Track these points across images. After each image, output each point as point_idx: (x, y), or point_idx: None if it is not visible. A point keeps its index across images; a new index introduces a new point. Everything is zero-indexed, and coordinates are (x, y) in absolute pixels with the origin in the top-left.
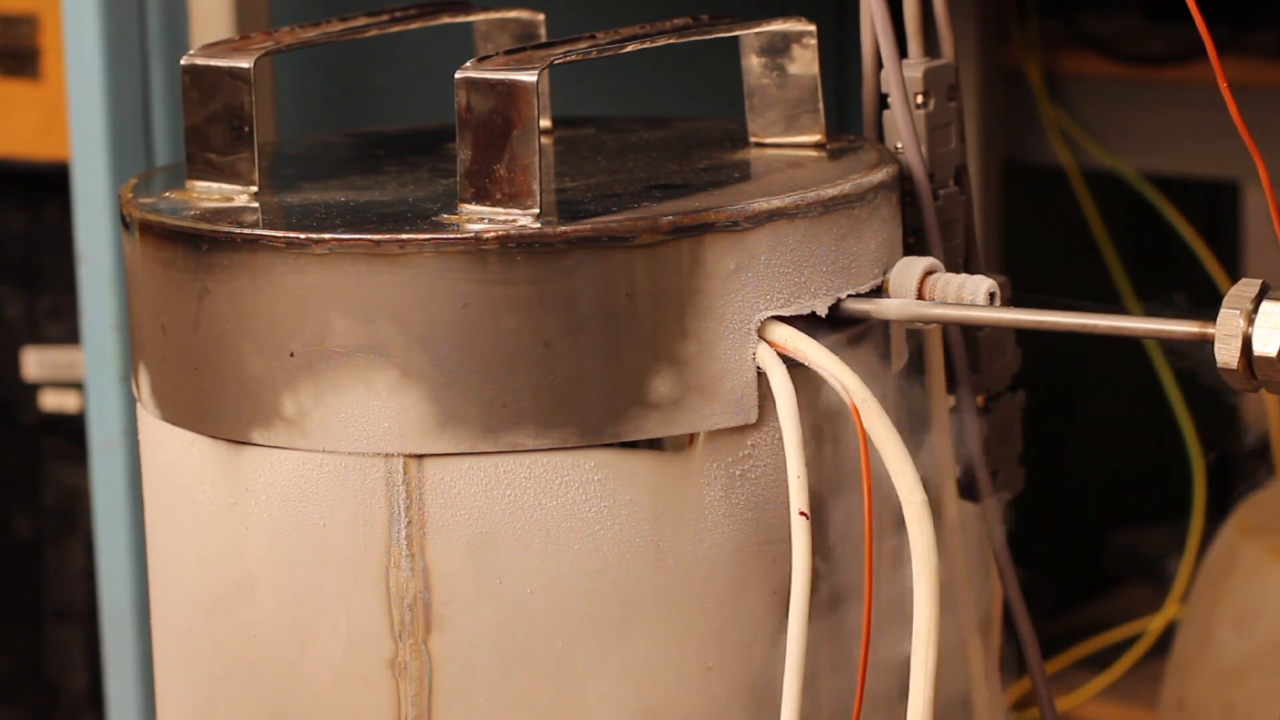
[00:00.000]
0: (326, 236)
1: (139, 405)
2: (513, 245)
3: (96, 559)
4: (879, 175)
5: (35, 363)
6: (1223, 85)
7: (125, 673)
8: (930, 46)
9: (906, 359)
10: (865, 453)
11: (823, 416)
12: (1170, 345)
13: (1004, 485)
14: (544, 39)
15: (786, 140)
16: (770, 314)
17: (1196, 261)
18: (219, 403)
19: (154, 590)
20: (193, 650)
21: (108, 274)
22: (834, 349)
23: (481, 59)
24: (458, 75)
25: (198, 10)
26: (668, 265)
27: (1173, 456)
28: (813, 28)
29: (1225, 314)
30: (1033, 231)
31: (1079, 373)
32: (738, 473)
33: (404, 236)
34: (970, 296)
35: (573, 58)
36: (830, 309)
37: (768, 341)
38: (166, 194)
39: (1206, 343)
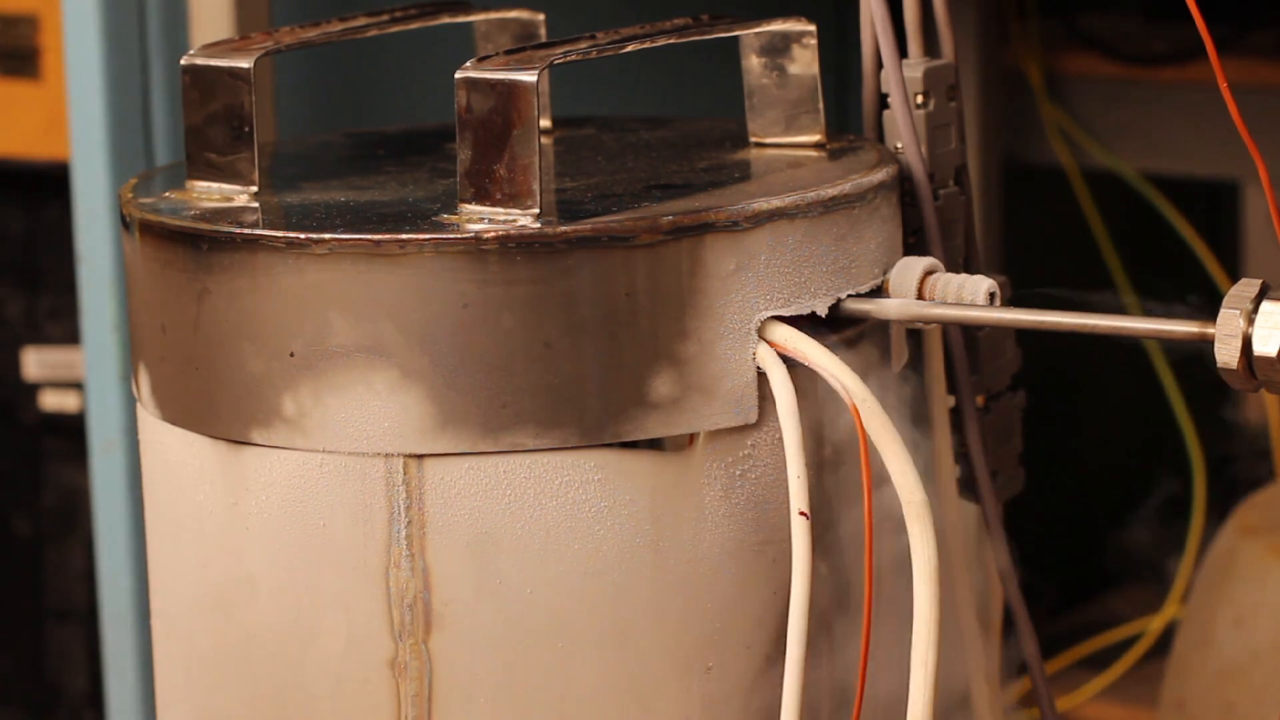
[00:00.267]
0: (326, 236)
1: (139, 405)
2: (513, 245)
3: (96, 559)
4: (879, 175)
5: (35, 363)
6: (1223, 85)
7: (125, 673)
8: (930, 46)
9: (906, 359)
10: (865, 453)
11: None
12: (1170, 344)
13: (1004, 485)
14: (544, 39)
15: (786, 140)
16: (770, 314)
17: (1196, 261)
18: (219, 403)
19: (154, 590)
20: (193, 650)
21: (108, 274)
22: (834, 349)
23: (481, 59)
24: (458, 75)
25: (198, 10)
26: (668, 265)
27: (1173, 456)
28: (813, 28)
29: (1225, 314)
30: (1033, 231)
31: (1079, 373)
32: (738, 473)
33: (404, 236)
34: (970, 296)
35: (573, 58)
36: (830, 309)
37: (768, 341)
38: (166, 194)
39: (1206, 343)
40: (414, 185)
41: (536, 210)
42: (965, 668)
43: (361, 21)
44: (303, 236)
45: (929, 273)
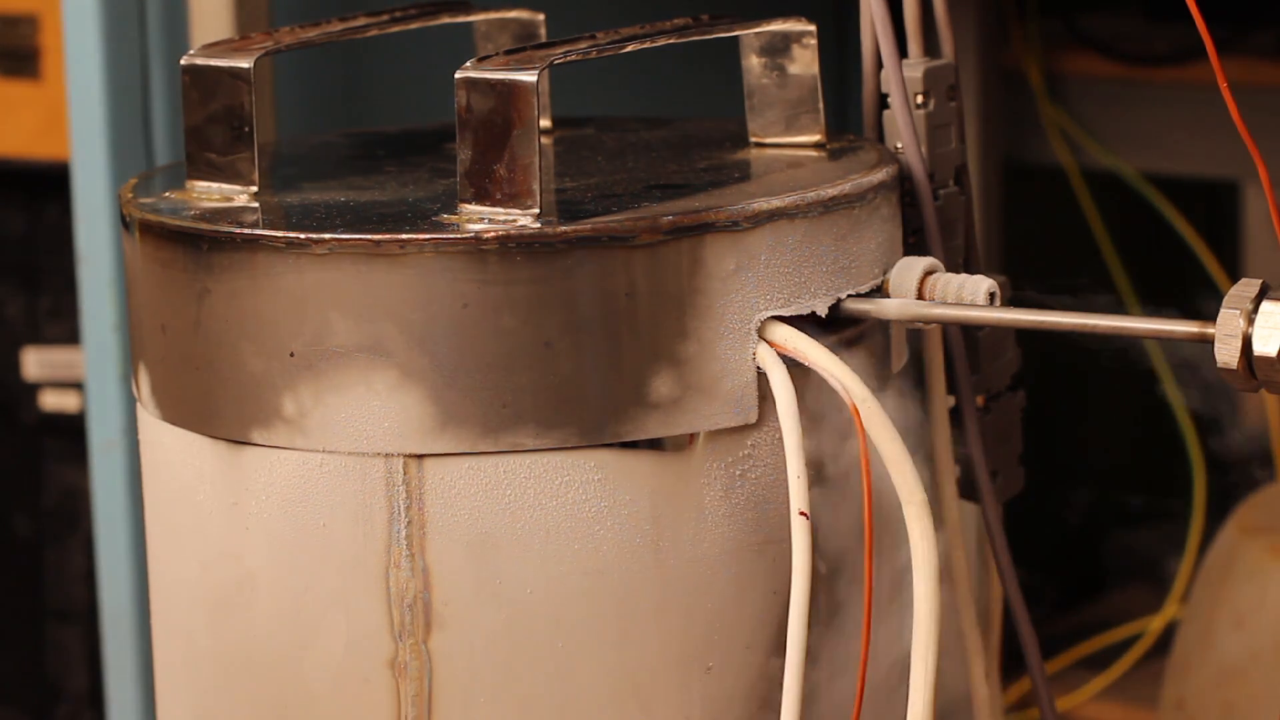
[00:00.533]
0: (326, 236)
1: (139, 405)
2: (513, 245)
3: (96, 559)
4: (879, 175)
5: (35, 363)
6: (1223, 85)
7: (125, 673)
8: (930, 46)
9: (906, 359)
10: (865, 453)
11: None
12: (1170, 344)
13: (1004, 485)
14: (544, 39)
15: (786, 140)
16: (770, 314)
17: (1196, 261)
18: (219, 403)
19: (154, 590)
20: (193, 650)
21: (108, 274)
22: (834, 349)
23: (481, 59)
24: (458, 75)
25: (198, 10)
26: (668, 265)
27: (1173, 457)
28: (813, 28)
29: (1225, 314)
30: (1033, 231)
31: (1079, 373)
32: (738, 473)
33: (404, 236)
34: (970, 296)
35: (573, 58)
36: (830, 309)
37: (768, 341)
38: (166, 194)
39: (1206, 342)
40: (414, 185)
41: (536, 210)
42: (965, 668)
43: (361, 21)
44: (303, 236)
45: (929, 273)
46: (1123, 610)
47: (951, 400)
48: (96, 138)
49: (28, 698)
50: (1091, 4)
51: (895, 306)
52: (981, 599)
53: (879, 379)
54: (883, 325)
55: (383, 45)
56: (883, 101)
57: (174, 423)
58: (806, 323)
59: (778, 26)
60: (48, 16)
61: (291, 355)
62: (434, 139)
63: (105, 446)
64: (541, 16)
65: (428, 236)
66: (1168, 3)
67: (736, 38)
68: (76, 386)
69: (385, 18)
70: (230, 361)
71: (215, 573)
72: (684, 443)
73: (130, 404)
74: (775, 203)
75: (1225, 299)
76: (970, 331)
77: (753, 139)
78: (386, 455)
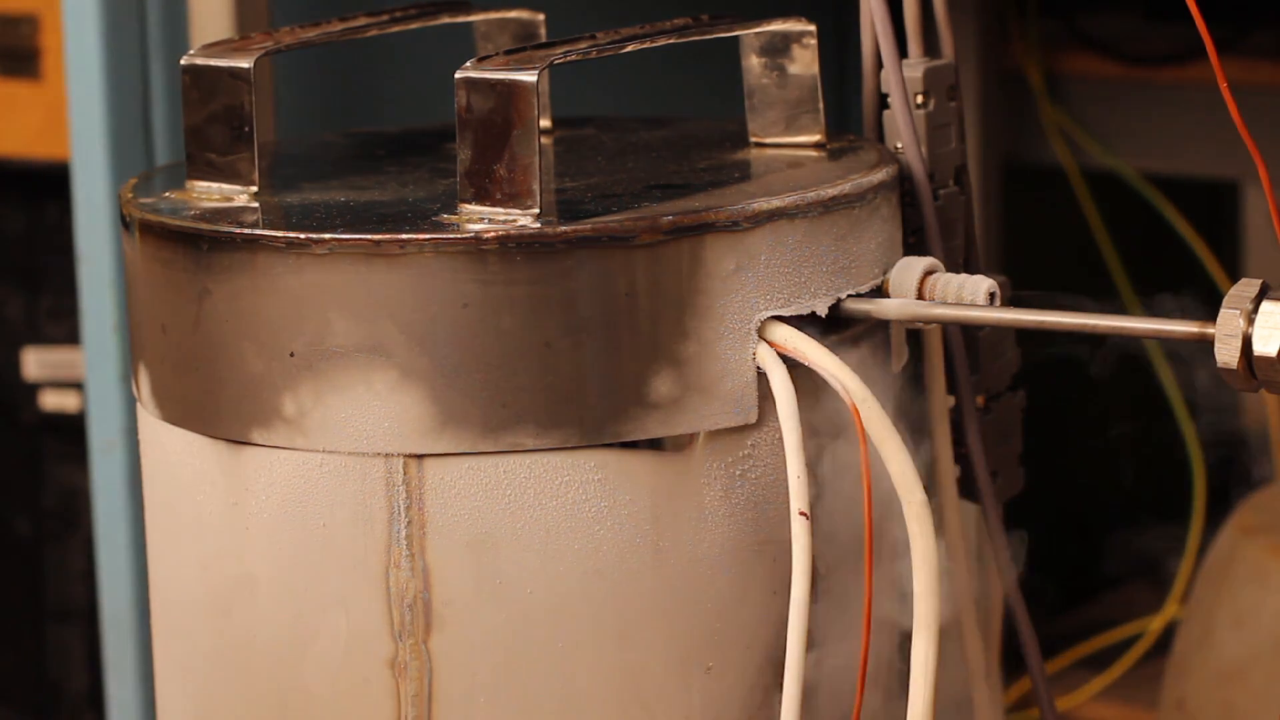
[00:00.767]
0: (326, 236)
1: (139, 405)
2: (513, 245)
3: (96, 559)
4: (879, 175)
5: (35, 363)
6: (1223, 85)
7: (125, 673)
8: (930, 46)
9: (906, 359)
10: (865, 453)
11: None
12: (1170, 344)
13: (1004, 485)
14: (544, 39)
15: (786, 140)
16: (770, 314)
17: (1196, 261)
18: (219, 403)
19: (154, 590)
20: (193, 650)
21: (108, 274)
22: (834, 349)
23: (481, 59)
24: (458, 75)
25: (198, 10)
26: (668, 265)
27: (1173, 457)
28: (813, 28)
29: (1225, 314)
30: (1033, 231)
31: (1079, 373)
32: (738, 473)
33: (404, 236)
34: (970, 296)
35: (573, 58)
36: (830, 309)
37: (768, 341)
38: (166, 194)
39: (1206, 343)
40: (414, 185)
41: (536, 210)
42: (965, 668)
43: (361, 21)
44: (303, 236)
45: (929, 273)
46: (1123, 610)
47: (951, 400)
48: (96, 138)
49: (28, 698)
50: (1091, 4)
51: (895, 306)
52: (981, 599)
53: (879, 379)
54: (883, 325)
55: (383, 45)
56: (883, 101)
57: (174, 423)
58: (806, 323)
59: (778, 26)
60: (48, 16)
61: (291, 355)
62: (434, 139)
63: (105, 446)
64: (541, 16)
65: (428, 236)
66: (1168, 3)
67: (736, 38)
68: (76, 386)
69: (385, 18)
70: (230, 361)
71: (215, 573)
72: (684, 443)
73: (130, 404)
74: (775, 203)
75: (1225, 299)
76: (970, 331)
77: (753, 139)
78: (386, 455)
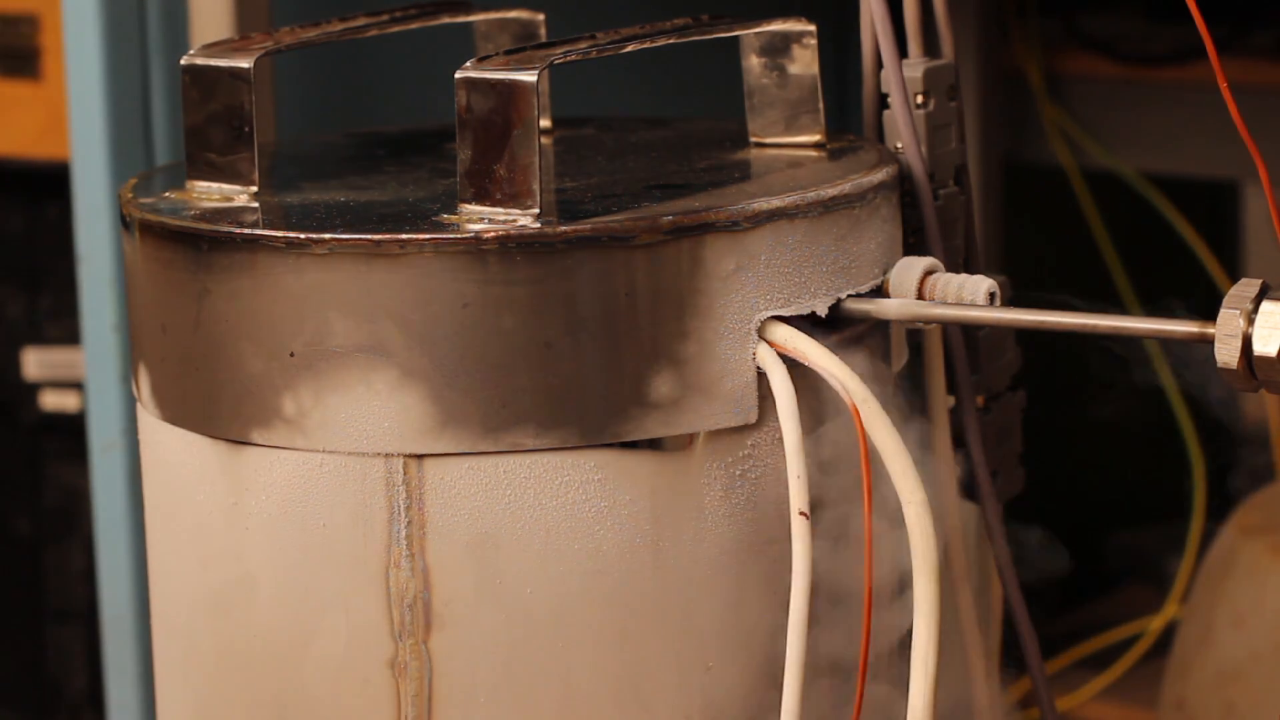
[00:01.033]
0: (326, 236)
1: (139, 405)
2: (513, 245)
3: (96, 559)
4: (879, 175)
5: (35, 363)
6: (1223, 85)
7: (125, 673)
8: (930, 46)
9: (906, 359)
10: (865, 453)
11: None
12: (1170, 344)
13: (1004, 485)
14: (544, 39)
15: (786, 140)
16: (770, 314)
17: (1196, 261)
18: (219, 403)
19: (154, 590)
20: (193, 650)
21: (108, 274)
22: (834, 349)
23: (481, 59)
24: (458, 75)
25: (198, 10)
26: (668, 265)
27: (1173, 456)
28: (813, 28)
29: (1225, 314)
30: (1033, 231)
31: (1079, 373)
32: (738, 473)
33: (404, 236)
34: (970, 296)
35: (573, 58)
36: (830, 309)
37: (768, 341)
38: (166, 194)
39: (1206, 343)
40: (414, 185)
41: (536, 210)
42: (965, 668)
43: (361, 21)
44: (303, 236)
45: (929, 273)
46: (1123, 610)
47: (951, 400)
48: (96, 138)
49: (28, 698)
50: (1091, 4)
51: (895, 306)
52: (981, 599)
53: (879, 379)
54: (883, 325)
55: (383, 45)
56: (883, 101)
57: (174, 423)
58: (806, 323)
59: (778, 26)
60: (48, 16)
61: (291, 355)
62: (434, 139)
63: (105, 446)
64: (541, 16)
65: (428, 236)
66: (1168, 3)
67: (736, 38)
68: (76, 386)
69: (385, 18)
70: (230, 361)
71: (215, 573)
72: (684, 443)
73: (130, 404)
74: (775, 203)
75: (1225, 299)
76: (970, 331)
77: (753, 139)
78: (386, 455)
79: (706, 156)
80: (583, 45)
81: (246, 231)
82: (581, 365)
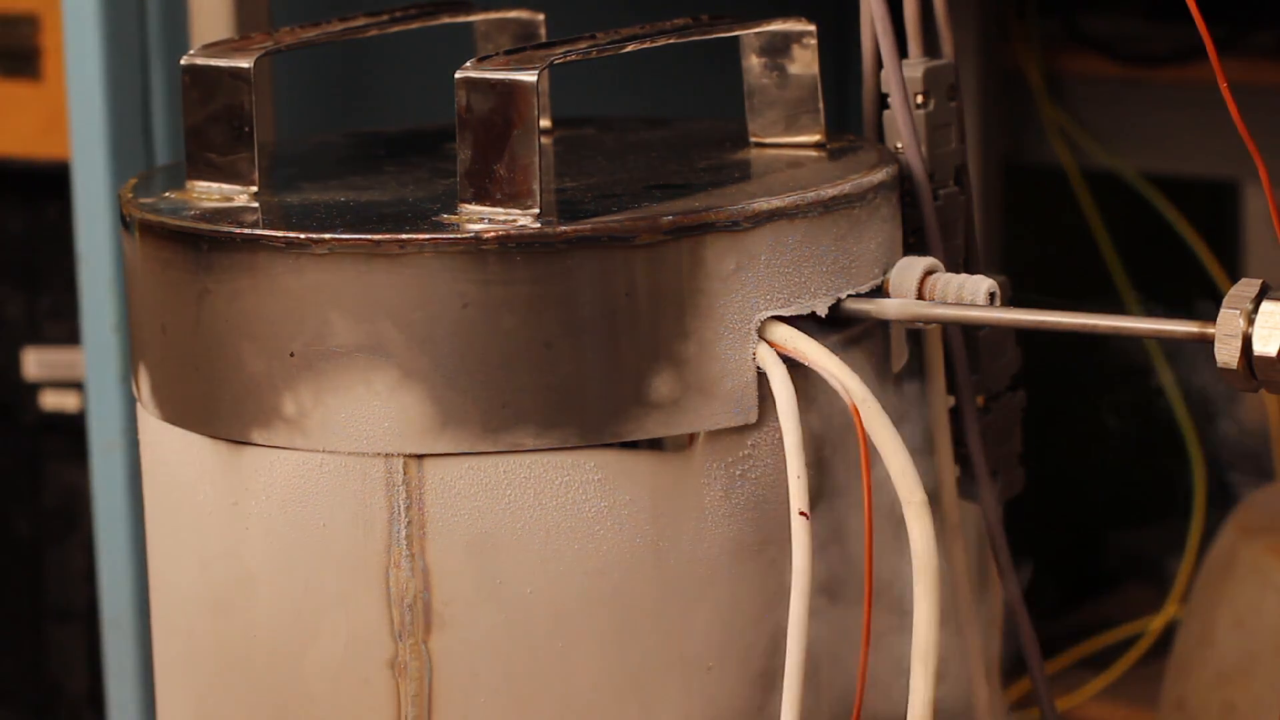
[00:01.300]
0: (326, 236)
1: (139, 405)
2: (513, 245)
3: (96, 559)
4: (879, 175)
5: (35, 363)
6: (1223, 85)
7: (125, 673)
8: (930, 46)
9: (906, 359)
10: (865, 453)
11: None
12: (1170, 344)
13: (1004, 485)
14: (544, 39)
15: (786, 140)
16: (770, 314)
17: (1196, 261)
18: (219, 403)
19: (154, 590)
20: (193, 650)
21: (108, 274)
22: (834, 349)
23: (481, 59)
24: (458, 75)
25: (198, 10)
26: (668, 265)
27: (1173, 456)
28: (813, 28)
29: (1225, 314)
30: (1033, 231)
31: (1079, 373)
32: (738, 473)
33: (404, 236)
34: (970, 296)
35: (573, 58)
36: (830, 309)
37: (768, 341)
38: (166, 194)
39: (1206, 342)
40: (414, 185)
41: (536, 210)
42: (965, 668)
43: (361, 21)
44: (302, 236)
45: (929, 273)
46: (1123, 610)
47: (951, 400)
48: (96, 138)
49: (28, 698)
50: (1091, 4)
51: (895, 306)
52: (982, 599)
53: (879, 379)
54: (883, 325)
55: (383, 45)
56: (883, 101)
57: (174, 423)
58: (806, 323)
59: (778, 26)
60: (48, 16)
61: (291, 355)
62: (434, 139)
63: (105, 446)
64: (541, 16)
65: (428, 236)
66: (1168, 3)
67: (736, 38)
68: (76, 386)
69: (385, 18)
70: (230, 361)
71: (215, 572)
72: (684, 443)
73: (130, 404)
74: (775, 203)
75: (1225, 299)
76: (970, 331)
77: (753, 139)
78: (386, 455)
79: (706, 156)
80: (583, 45)
81: (246, 231)
82: (581, 365)
